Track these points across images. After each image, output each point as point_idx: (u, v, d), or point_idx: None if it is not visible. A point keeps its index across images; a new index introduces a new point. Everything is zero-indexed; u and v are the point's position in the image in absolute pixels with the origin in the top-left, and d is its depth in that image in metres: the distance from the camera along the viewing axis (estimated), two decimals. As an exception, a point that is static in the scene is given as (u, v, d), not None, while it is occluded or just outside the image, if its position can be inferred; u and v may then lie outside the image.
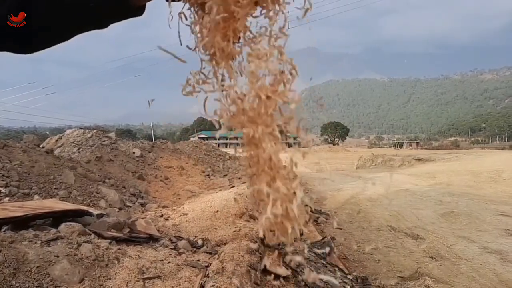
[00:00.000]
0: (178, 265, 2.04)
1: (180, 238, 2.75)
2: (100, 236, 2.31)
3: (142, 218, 3.14)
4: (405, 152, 27.33)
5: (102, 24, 0.65)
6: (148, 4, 0.65)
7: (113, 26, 0.67)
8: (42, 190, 4.66)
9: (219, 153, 12.56)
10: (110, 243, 2.13)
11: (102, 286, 1.70)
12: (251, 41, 0.56)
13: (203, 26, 0.55)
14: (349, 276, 2.64)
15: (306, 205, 0.53)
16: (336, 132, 74.87)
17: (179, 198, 6.26)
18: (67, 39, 0.66)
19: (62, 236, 2.03)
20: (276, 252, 2.27)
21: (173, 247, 2.48)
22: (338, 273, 2.61)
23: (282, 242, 0.54)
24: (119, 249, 2.10)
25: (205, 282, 1.81)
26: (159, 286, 1.80)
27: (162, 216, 3.62)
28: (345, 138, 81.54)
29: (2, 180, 4.42)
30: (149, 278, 1.84)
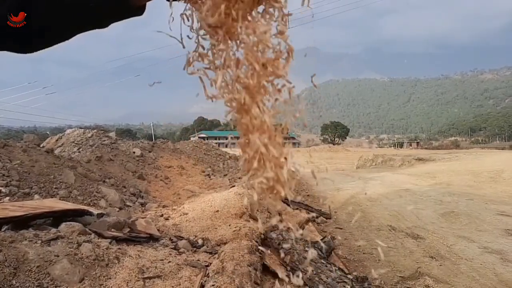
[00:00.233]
0: (178, 264, 2.04)
1: (180, 238, 2.75)
2: (100, 235, 2.31)
3: (142, 218, 3.15)
4: (405, 152, 27.32)
5: (102, 24, 0.65)
6: (148, 4, 0.64)
7: (113, 26, 0.67)
8: (42, 189, 4.66)
9: (219, 153, 12.55)
10: (110, 243, 2.14)
11: (102, 286, 1.70)
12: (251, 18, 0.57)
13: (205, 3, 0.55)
14: (349, 276, 2.64)
15: (294, 171, 0.57)
16: (336, 132, 74.84)
17: (179, 198, 6.25)
18: (67, 39, 0.66)
19: (62, 236, 2.03)
20: (276, 252, 2.27)
21: (173, 246, 2.48)
22: (338, 273, 2.61)
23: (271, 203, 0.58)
24: (119, 248, 2.11)
25: (205, 281, 1.82)
26: (159, 285, 1.80)
27: (162, 215, 3.62)
28: (345, 138, 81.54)
29: (3, 180, 4.42)
30: (149, 278, 1.84)
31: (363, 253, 3.58)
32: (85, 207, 3.49)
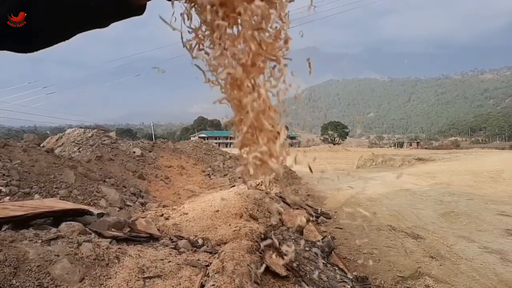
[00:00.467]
0: (178, 264, 2.05)
1: (180, 238, 2.75)
2: (100, 235, 2.32)
3: (143, 218, 3.15)
4: (405, 152, 27.33)
5: (103, 24, 0.65)
6: (148, 4, 0.65)
7: (113, 26, 0.67)
8: (42, 189, 4.66)
9: (220, 153, 12.55)
10: (110, 243, 2.14)
11: (102, 285, 1.70)
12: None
13: None
14: (349, 276, 2.64)
15: (290, 145, 0.59)
16: (336, 132, 74.83)
17: (180, 198, 6.26)
18: (67, 39, 0.66)
19: (62, 236, 2.03)
20: (276, 252, 2.27)
21: (173, 246, 2.48)
22: (338, 273, 2.61)
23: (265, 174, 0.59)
24: (119, 248, 2.11)
25: (205, 281, 1.82)
26: (159, 285, 1.80)
27: (162, 215, 3.62)
28: (346, 138, 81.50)
29: (3, 180, 4.42)
30: (149, 277, 1.84)
31: (363, 253, 3.58)
32: (85, 207, 3.50)
